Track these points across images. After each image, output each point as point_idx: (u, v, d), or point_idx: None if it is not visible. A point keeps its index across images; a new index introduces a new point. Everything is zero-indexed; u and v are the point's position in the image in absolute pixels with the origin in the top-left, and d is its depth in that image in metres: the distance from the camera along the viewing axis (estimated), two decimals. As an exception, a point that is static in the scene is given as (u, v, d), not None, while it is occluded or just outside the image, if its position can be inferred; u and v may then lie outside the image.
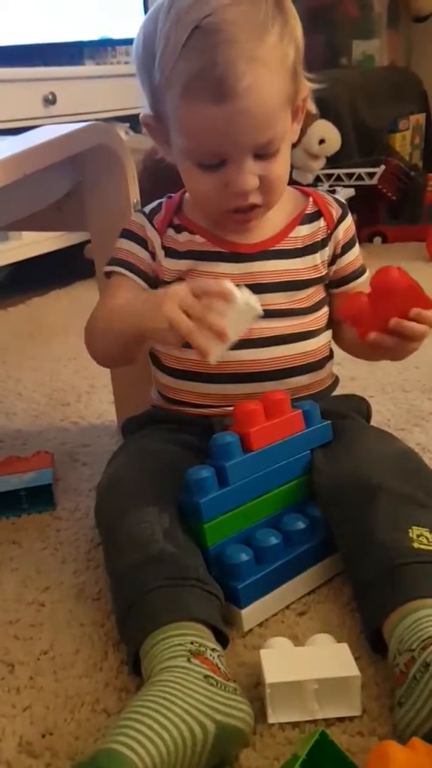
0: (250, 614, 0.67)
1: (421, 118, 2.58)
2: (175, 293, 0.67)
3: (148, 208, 0.85)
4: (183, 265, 0.81)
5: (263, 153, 0.72)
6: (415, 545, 0.62)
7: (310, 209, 0.84)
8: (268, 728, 0.56)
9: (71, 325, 1.64)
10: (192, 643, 0.57)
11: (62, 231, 1.76)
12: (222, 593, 0.65)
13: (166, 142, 0.77)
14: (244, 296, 0.66)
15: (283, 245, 0.82)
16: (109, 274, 0.85)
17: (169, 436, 0.80)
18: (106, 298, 0.84)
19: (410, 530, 0.63)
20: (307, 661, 0.58)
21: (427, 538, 0.63)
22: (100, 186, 0.97)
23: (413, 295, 0.73)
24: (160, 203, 0.85)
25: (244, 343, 0.77)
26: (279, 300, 0.81)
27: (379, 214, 2.21)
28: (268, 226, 0.82)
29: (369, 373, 1.23)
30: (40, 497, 0.90)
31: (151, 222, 0.83)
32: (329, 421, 0.77)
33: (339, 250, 0.85)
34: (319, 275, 0.84)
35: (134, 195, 0.96)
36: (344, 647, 0.59)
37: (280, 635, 0.64)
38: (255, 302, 0.67)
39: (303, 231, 0.83)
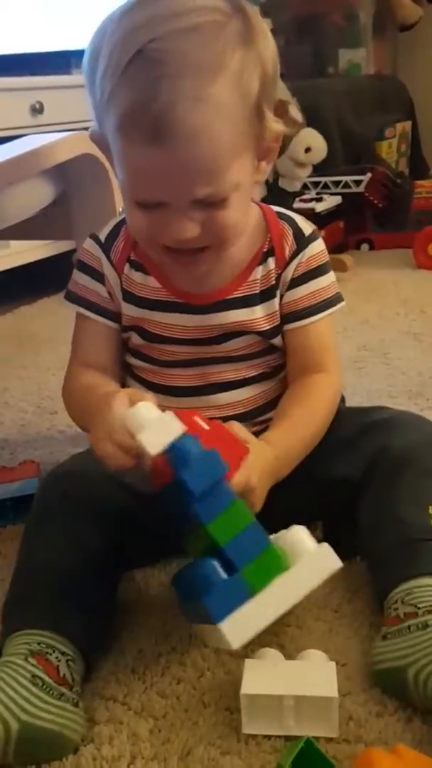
0: (233, 629, 0.54)
1: (407, 125, 2.60)
2: (105, 430, 0.59)
3: (103, 235, 0.76)
4: (137, 312, 0.75)
5: (206, 202, 0.63)
6: None
7: (266, 247, 0.75)
8: (254, 736, 0.56)
9: (59, 334, 1.64)
10: (39, 644, 0.59)
11: (49, 240, 1.76)
12: (110, 624, 0.67)
13: (113, 162, 0.69)
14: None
15: (242, 292, 0.74)
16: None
17: None
18: (77, 355, 0.78)
19: (430, 507, 0.67)
20: (289, 676, 0.57)
21: None
22: (85, 195, 0.97)
23: None
24: (118, 227, 0.76)
25: (204, 389, 0.76)
26: (240, 345, 0.75)
27: (366, 222, 2.22)
28: (224, 267, 0.73)
29: (356, 379, 1.24)
30: (26, 507, 0.89)
31: (108, 256, 0.75)
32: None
33: (286, 287, 0.75)
34: (278, 320, 0.76)
35: (119, 203, 0.96)
36: (331, 666, 0.58)
37: (268, 643, 0.64)
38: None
39: (260, 272, 0.75)
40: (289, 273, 0.75)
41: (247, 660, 0.59)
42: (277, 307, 0.76)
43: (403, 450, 0.71)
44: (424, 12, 2.64)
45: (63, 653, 0.60)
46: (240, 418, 0.74)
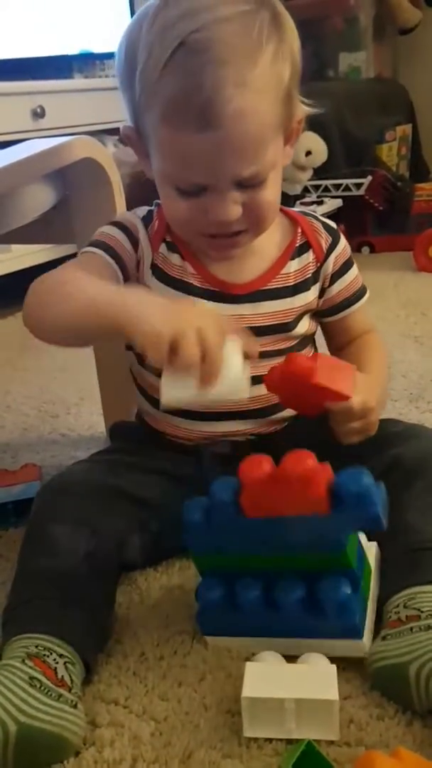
0: (215, 641, 0.65)
1: (407, 129, 2.60)
2: (200, 317, 0.58)
3: (140, 213, 0.79)
4: (168, 291, 0.76)
5: (248, 183, 0.67)
6: None
7: (299, 240, 0.78)
8: (255, 739, 0.56)
9: (60, 337, 1.64)
10: (37, 647, 0.59)
11: (50, 244, 1.76)
12: (109, 627, 0.68)
13: (145, 157, 0.73)
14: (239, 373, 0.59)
15: (275, 284, 0.77)
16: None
17: (148, 461, 0.77)
18: (67, 267, 0.74)
19: None
20: (289, 679, 0.57)
21: None
22: (86, 199, 0.97)
23: (319, 391, 0.66)
24: (151, 212, 0.78)
25: None
26: (269, 341, 0.77)
27: (367, 225, 2.22)
28: (258, 259, 0.77)
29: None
30: (28, 510, 0.89)
31: (146, 230, 0.77)
32: (379, 498, 0.58)
33: (327, 283, 0.80)
34: (310, 310, 0.80)
35: (121, 207, 0.97)
36: (332, 669, 0.58)
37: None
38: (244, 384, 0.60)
39: (293, 266, 0.78)
40: (329, 267, 0.79)
41: (247, 663, 0.60)
42: (309, 300, 0.78)
43: (414, 461, 0.71)
44: (423, 15, 2.65)
45: (61, 655, 0.60)
46: (259, 413, 0.77)
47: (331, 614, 0.60)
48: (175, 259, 0.77)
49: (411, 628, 0.59)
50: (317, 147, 2.02)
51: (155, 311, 0.59)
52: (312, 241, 0.79)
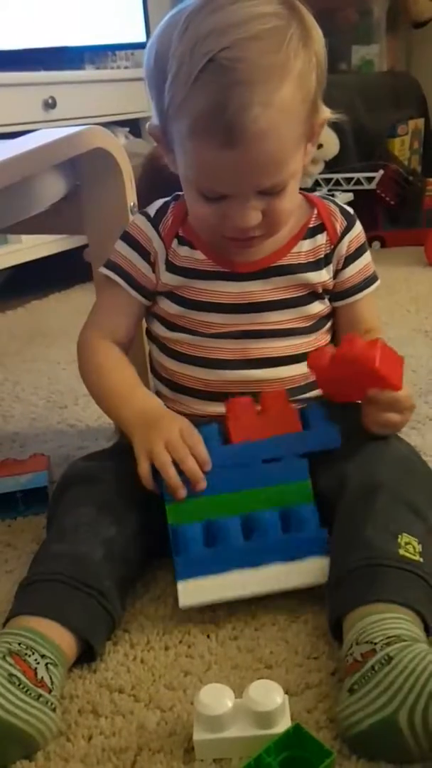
0: (187, 590, 0.67)
1: (419, 123, 2.59)
2: (167, 430, 0.71)
3: (152, 210, 0.81)
4: (177, 280, 0.79)
5: (268, 192, 0.69)
6: (401, 552, 0.62)
7: (314, 222, 0.80)
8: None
9: (70, 328, 1.64)
10: (20, 644, 0.58)
11: (60, 234, 1.77)
12: (119, 614, 0.67)
13: (170, 152, 0.74)
14: None
15: (285, 261, 0.79)
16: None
17: None
18: (98, 321, 0.83)
19: (400, 536, 0.63)
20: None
21: (414, 548, 0.63)
22: (97, 189, 0.97)
23: (374, 378, 0.70)
24: (167, 205, 0.81)
25: (246, 364, 0.78)
26: (280, 318, 0.79)
27: (378, 219, 2.21)
28: (270, 240, 0.78)
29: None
30: (36, 499, 0.90)
31: (158, 231, 0.80)
32: (337, 426, 0.74)
33: (341, 265, 0.81)
34: (322, 291, 0.81)
35: (131, 198, 0.96)
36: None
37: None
38: None
39: (305, 246, 0.80)
40: (343, 249, 0.81)
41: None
42: (322, 279, 0.80)
43: (373, 475, 0.69)
44: (437, 8, 2.63)
45: (42, 656, 0.58)
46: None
47: (305, 529, 0.69)
48: (184, 250, 0.79)
49: (373, 667, 0.53)
50: (329, 140, 2.01)
51: (137, 433, 0.73)
52: (327, 223, 0.80)
